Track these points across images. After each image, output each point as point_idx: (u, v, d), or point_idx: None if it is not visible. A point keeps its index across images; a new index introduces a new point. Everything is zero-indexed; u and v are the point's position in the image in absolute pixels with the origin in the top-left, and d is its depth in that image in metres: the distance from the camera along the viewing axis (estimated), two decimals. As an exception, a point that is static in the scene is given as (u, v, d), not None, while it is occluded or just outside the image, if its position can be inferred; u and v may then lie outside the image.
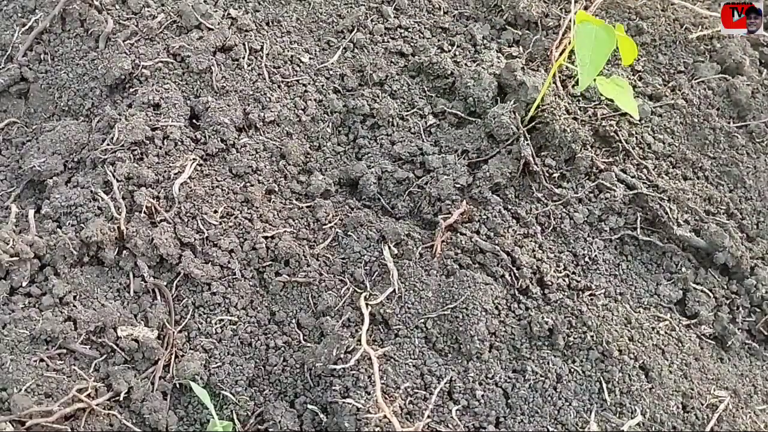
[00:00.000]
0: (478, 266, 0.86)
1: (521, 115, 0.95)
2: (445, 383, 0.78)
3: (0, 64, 1.00)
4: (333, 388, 0.77)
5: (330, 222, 0.89)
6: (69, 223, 0.85)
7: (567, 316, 0.83)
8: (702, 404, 0.80)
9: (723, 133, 0.97)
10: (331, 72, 1.01)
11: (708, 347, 0.85)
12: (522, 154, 0.91)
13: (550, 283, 0.86)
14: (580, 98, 0.99)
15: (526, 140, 0.93)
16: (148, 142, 0.90)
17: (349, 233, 0.88)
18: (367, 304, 0.81)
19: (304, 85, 0.99)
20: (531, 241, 0.88)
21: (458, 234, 0.87)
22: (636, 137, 0.96)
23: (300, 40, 1.04)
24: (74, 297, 0.81)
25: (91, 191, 0.87)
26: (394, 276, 0.83)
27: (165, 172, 0.89)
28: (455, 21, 1.09)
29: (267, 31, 1.03)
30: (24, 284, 0.81)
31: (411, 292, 0.83)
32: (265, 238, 0.86)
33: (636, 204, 0.91)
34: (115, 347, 0.79)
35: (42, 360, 0.77)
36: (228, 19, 1.02)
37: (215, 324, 0.81)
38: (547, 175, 0.93)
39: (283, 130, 0.96)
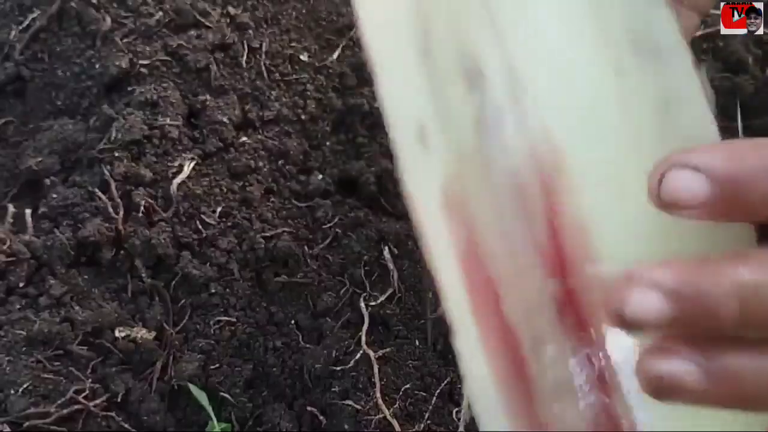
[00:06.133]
0: (479, 266, 0.85)
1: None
2: (446, 384, 0.77)
3: (-3, 63, 1.00)
4: (332, 389, 0.77)
5: (329, 222, 0.88)
6: (66, 223, 0.85)
7: (568, 316, 0.83)
8: (704, 406, 0.79)
9: (726, 133, 0.97)
10: (330, 70, 1.00)
11: None
12: (523, 154, 0.91)
13: (551, 284, 0.85)
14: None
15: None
16: (145, 141, 0.89)
17: (348, 233, 0.87)
18: (366, 305, 0.81)
19: (303, 83, 0.99)
20: (532, 241, 0.88)
21: (458, 234, 0.87)
22: (638, 136, 0.95)
23: (299, 39, 1.03)
24: (71, 298, 0.81)
25: (89, 191, 0.86)
26: (394, 276, 0.82)
27: (163, 171, 0.88)
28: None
29: (266, 30, 1.02)
30: (21, 285, 0.81)
31: (411, 292, 0.82)
32: (264, 238, 0.85)
33: None
34: (112, 348, 0.78)
35: (39, 361, 0.76)
36: (226, 17, 1.01)
37: (213, 325, 0.81)
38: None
39: (282, 129, 0.95)
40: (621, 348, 0.32)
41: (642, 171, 0.32)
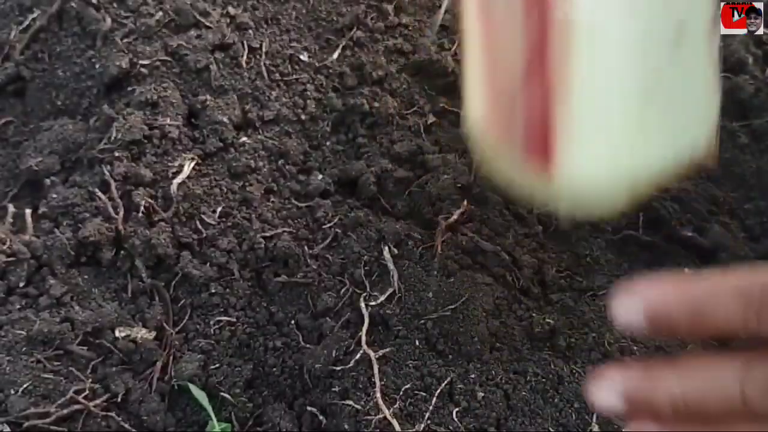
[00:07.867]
0: (479, 266, 0.85)
1: (522, 113, 0.94)
2: (446, 385, 0.77)
3: (-3, 63, 1.00)
4: (332, 389, 0.76)
5: (329, 222, 0.88)
6: (66, 223, 0.85)
7: (568, 316, 0.82)
8: (704, 406, 0.79)
9: (726, 133, 0.97)
10: (330, 70, 1.00)
11: (711, 348, 0.84)
12: (523, 153, 0.91)
13: (551, 284, 0.85)
14: (582, 97, 0.99)
15: (527, 139, 0.92)
16: (145, 141, 0.89)
17: (348, 233, 0.87)
18: (366, 305, 0.81)
19: (303, 83, 0.99)
20: (532, 240, 0.88)
21: (459, 234, 0.87)
22: (638, 136, 0.95)
23: (299, 39, 1.03)
24: (71, 298, 0.81)
25: (89, 191, 0.86)
26: (394, 276, 0.82)
27: (163, 171, 0.88)
28: (455, 19, 1.08)
29: (266, 30, 1.02)
30: (21, 285, 0.81)
31: (411, 292, 0.82)
32: (264, 238, 0.85)
33: (638, 204, 0.90)
34: (112, 348, 0.78)
35: (39, 361, 0.76)
36: (226, 17, 1.01)
37: (213, 325, 0.81)
38: (549, 174, 0.93)
39: (282, 129, 0.95)
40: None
41: None
